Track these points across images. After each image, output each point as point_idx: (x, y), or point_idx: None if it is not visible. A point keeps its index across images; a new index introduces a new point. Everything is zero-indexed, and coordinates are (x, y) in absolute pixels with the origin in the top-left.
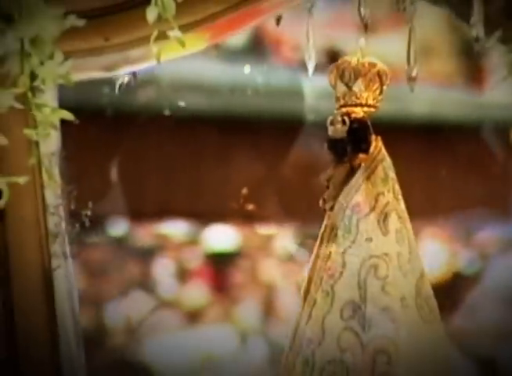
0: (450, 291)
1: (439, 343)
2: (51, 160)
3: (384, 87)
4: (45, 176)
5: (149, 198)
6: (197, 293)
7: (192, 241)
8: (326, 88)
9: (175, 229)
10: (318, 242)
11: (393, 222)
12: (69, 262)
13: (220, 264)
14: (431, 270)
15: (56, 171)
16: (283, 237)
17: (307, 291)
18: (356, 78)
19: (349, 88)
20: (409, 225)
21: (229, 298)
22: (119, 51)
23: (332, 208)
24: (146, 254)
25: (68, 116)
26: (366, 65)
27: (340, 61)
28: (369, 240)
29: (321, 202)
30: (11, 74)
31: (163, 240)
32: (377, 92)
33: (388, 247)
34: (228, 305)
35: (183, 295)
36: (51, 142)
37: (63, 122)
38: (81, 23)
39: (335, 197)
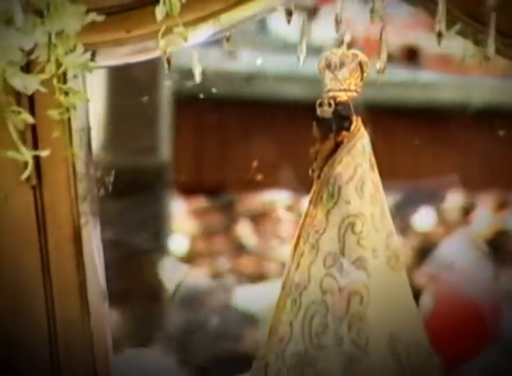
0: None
1: (403, 287)
2: (81, 135)
3: (365, 74)
4: (75, 148)
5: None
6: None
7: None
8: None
9: (278, 197)
10: (307, 204)
11: (368, 189)
12: (95, 220)
13: None
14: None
15: (85, 144)
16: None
17: (296, 244)
18: (341, 67)
19: (335, 75)
20: (381, 190)
21: None
22: (138, 42)
23: (319, 177)
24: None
25: (83, 99)
26: (350, 56)
27: (327, 53)
28: (348, 202)
29: (310, 172)
30: (39, 62)
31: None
32: (359, 79)
33: (363, 208)
34: None
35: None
36: (81, 120)
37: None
38: (100, 18)
39: (321, 168)
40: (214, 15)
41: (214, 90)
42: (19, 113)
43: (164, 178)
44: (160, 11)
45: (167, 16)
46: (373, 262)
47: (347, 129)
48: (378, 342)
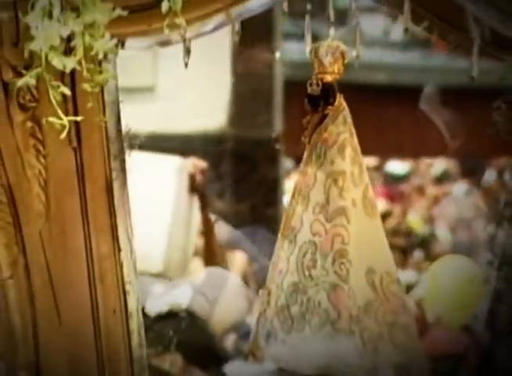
0: None
1: (377, 230)
2: (112, 107)
3: (346, 61)
4: (107, 115)
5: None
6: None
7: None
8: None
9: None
10: (301, 164)
11: (348, 152)
12: (124, 175)
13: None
14: None
15: (116, 114)
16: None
17: (292, 196)
18: (327, 55)
19: (322, 62)
20: (359, 153)
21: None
22: (159, 33)
23: (309, 142)
24: None
25: (110, 77)
26: (334, 46)
27: (317, 44)
28: (332, 162)
29: (303, 138)
30: (76, 47)
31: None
32: (341, 64)
33: (344, 167)
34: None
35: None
36: (112, 94)
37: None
38: (124, 13)
39: (311, 135)
40: (218, 11)
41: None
42: (58, 86)
43: (277, 147)
44: (164, 6)
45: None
46: (352, 210)
47: (332, 104)
48: (357, 273)
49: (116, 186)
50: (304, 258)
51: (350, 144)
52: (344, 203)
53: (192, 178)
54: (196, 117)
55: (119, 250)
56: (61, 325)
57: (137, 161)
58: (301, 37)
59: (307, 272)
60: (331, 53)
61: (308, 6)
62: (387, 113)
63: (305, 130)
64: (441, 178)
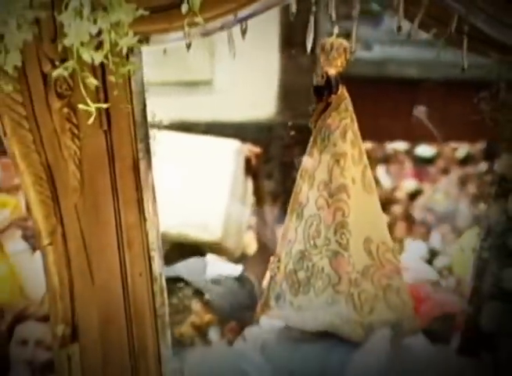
0: None
1: (374, 204)
2: (138, 95)
3: (348, 56)
4: (134, 102)
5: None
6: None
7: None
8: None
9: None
10: (308, 147)
11: (349, 136)
12: (149, 156)
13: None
14: None
15: (142, 102)
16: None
17: (300, 175)
18: (331, 50)
19: (327, 56)
20: (359, 137)
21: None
22: (178, 31)
23: (315, 127)
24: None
25: (133, 68)
26: (338, 43)
27: (323, 41)
28: (335, 145)
29: (309, 123)
30: (104, 43)
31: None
32: (344, 59)
33: (345, 149)
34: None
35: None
36: (138, 84)
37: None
38: (146, 13)
39: (316, 121)
40: (231, 12)
41: (356, 72)
42: (87, 77)
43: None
44: (184, 7)
45: (194, 12)
46: (352, 187)
47: (335, 93)
48: (356, 242)
49: (142, 164)
50: (309, 229)
51: (351, 129)
52: (345, 181)
53: (247, 161)
54: (249, 107)
55: (145, 220)
56: (94, 285)
57: (201, 143)
58: (340, 36)
59: (312, 242)
60: (335, 49)
61: (313, 8)
62: (416, 103)
63: (312, 116)
64: (465, 161)
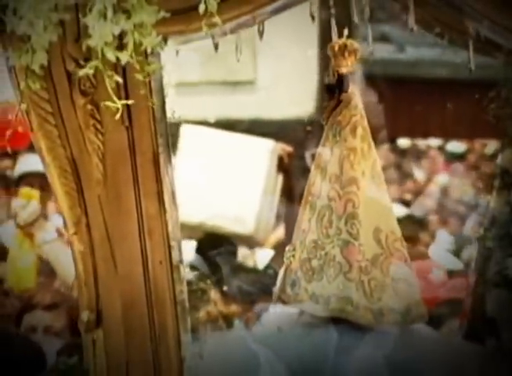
0: None
1: (383, 196)
2: (157, 91)
3: (358, 57)
4: (154, 99)
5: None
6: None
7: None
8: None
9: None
10: (321, 142)
11: (359, 131)
12: (168, 150)
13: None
14: None
15: (161, 99)
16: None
17: (313, 168)
18: (342, 51)
19: (337, 56)
20: (369, 132)
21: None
22: (194, 32)
23: (327, 123)
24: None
25: (157, 66)
26: (348, 44)
27: (333, 42)
28: (345, 140)
29: (321, 119)
30: (128, 43)
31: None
32: (354, 59)
33: (355, 144)
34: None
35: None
36: (158, 83)
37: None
38: (167, 15)
39: (328, 117)
40: (246, 14)
41: (390, 72)
42: (112, 76)
43: None
44: (201, 8)
45: (211, 14)
46: (362, 180)
47: (346, 91)
48: (366, 232)
49: (162, 158)
50: (322, 219)
51: (361, 125)
52: (355, 174)
53: (280, 159)
54: (290, 105)
55: (164, 211)
56: (117, 273)
57: (239, 142)
58: (375, 38)
59: (324, 231)
60: (346, 49)
61: (332, 10)
62: (448, 102)
63: (324, 113)
64: (494, 156)
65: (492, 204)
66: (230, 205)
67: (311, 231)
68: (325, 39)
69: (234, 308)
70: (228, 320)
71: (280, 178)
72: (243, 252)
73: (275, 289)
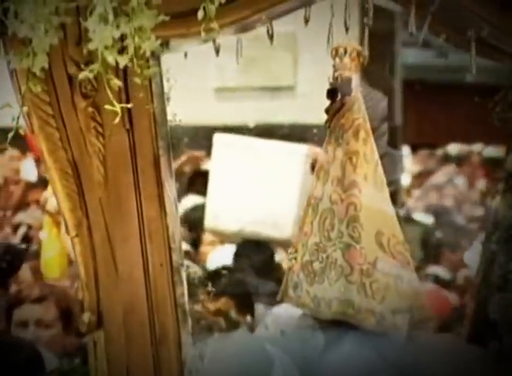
0: None
1: (385, 199)
2: (158, 95)
3: (361, 60)
4: (155, 103)
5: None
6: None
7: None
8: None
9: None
10: (324, 145)
11: (361, 135)
12: (169, 153)
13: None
14: None
15: (162, 103)
16: None
17: (316, 172)
18: (345, 55)
19: (341, 60)
20: (371, 136)
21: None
22: (195, 36)
23: (329, 127)
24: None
25: (156, 70)
26: (351, 47)
27: (336, 45)
28: (347, 143)
29: (324, 123)
30: (128, 47)
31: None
32: (357, 63)
33: (357, 148)
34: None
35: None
36: (158, 86)
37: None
38: (166, 18)
39: (331, 120)
40: (244, 19)
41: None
42: (111, 79)
43: (397, 137)
44: (200, 13)
45: (209, 18)
46: (364, 183)
47: (349, 95)
48: (367, 235)
49: (162, 161)
50: (324, 222)
51: (363, 128)
52: (357, 177)
53: (314, 162)
54: None
55: (165, 214)
56: (117, 275)
57: (274, 147)
58: (416, 44)
59: (326, 234)
60: (349, 53)
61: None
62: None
63: (327, 117)
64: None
65: (496, 207)
66: (268, 211)
67: (313, 234)
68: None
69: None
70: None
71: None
72: (281, 255)
73: (280, 290)
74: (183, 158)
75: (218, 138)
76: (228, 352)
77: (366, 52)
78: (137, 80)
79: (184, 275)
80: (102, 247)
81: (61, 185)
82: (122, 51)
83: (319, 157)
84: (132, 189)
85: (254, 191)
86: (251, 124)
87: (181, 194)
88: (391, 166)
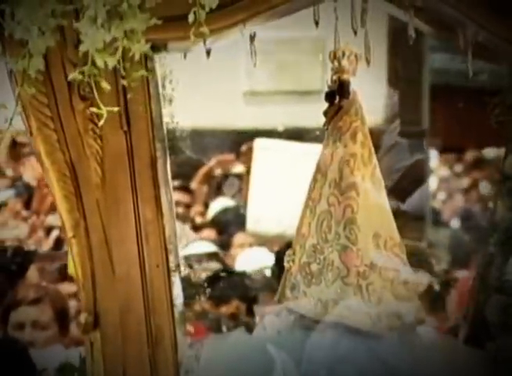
0: None
1: (383, 201)
2: (155, 97)
3: (359, 63)
4: (152, 104)
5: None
6: None
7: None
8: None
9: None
10: (322, 147)
11: (359, 137)
12: (166, 155)
13: None
14: None
15: (158, 105)
16: None
17: (314, 174)
18: (343, 58)
19: (339, 63)
20: (369, 138)
21: None
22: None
23: (327, 129)
24: None
25: (144, 73)
26: (349, 51)
27: (335, 48)
28: (345, 145)
29: (323, 125)
30: (118, 49)
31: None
32: (355, 66)
33: (355, 150)
34: None
35: None
36: (155, 89)
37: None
38: (159, 22)
39: (329, 123)
40: (234, 25)
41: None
42: (101, 81)
43: (425, 141)
44: (191, 17)
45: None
46: (361, 185)
47: (347, 98)
48: (365, 237)
49: (159, 163)
50: (322, 224)
51: (361, 131)
52: (355, 179)
53: None
54: None
55: (161, 216)
56: (114, 276)
57: (311, 151)
58: (444, 49)
59: (324, 236)
60: (347, 56)
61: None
62: None
63: (325, 119)
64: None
65: (495, 209)
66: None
67: (310, 235)
68: (395, 49)
69: None
70: None
71: None
72: None
73: (277, 292)
74: (213, 162)
75: (258, 142)
76: (227, 352)
77: (369, 55)
78: (124, 82)
79: (181, 276)
80: (99, 248)
81: (58, 186)
82: (113, 53)
83: (320, 163)
84: (129, 191)
85: (294, 194)
86: (280, 128)
87: (211, 197)
88: (399, 154)
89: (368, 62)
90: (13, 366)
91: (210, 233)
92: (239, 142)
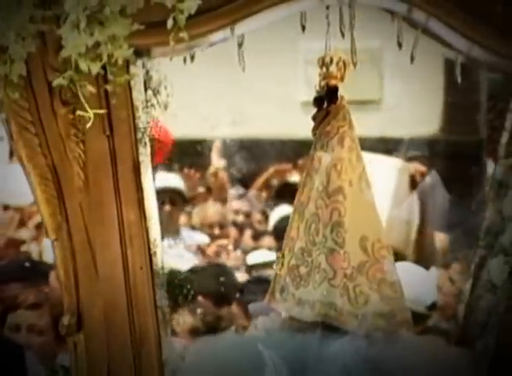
0: None
1: (370, 204)
2: (141, 103)
3: (347, 69)
4: (136, 109)
5: None
6: None
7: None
8: None
9: None
10: (310, 152)
11: (347, 142)
12: (148, 159)
13: None
14: None
15: (144, 108)
16: None
17: (303, 178)
18: (331, 63)
19: (328, 68)
20: (357, 142)
21: None
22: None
23: (315, 134)
24: None
25: (128, 78)
26: (338, 56)
27: (324, 54)
28: (333, 150)
29: (311, 131)
30: (101, 54)
31: None
32: (343, 71)
33: (343, 154)
34: None
35: None
36: (140, 93)
37: None
38: (141, 27)
39: (317, 128)
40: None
41: None
42: (85, 86)
43: (482, 149)
44: (169, 23)
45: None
46: (348, 189)
47: (334, 103)
48: (352, 240)
49: (142, 167)
50: (310, 227)
51: (348, 136)
52: (342, 183)
53: (412, 178)
54: (415, 124)
55: (145, 218)
56: (98, 278)
57: (369, 160)
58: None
59: (312, 239)
60: (335, 62)
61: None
62: None
63: (313, 124)
64: None
65: (486, 213)
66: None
67: (299, 239)
68: (450, 59)
69: None
70: None
71: (416, 198)
72: None
73: (267, 293)
74: (270, 171)
75: None
76: (217, 352)
77: (356, 59)
78: (108, 87)
79: (165, 279)
80: (82, 250)
81: (40, 190)
82: (96, 58)
83: (308, 168)
84: (112, 195)
85: None
86: None
87: (270, 206)
88: None
89: (355, 66)
90: (6, 366)
91: (270, 241)
92: (297, 151)
